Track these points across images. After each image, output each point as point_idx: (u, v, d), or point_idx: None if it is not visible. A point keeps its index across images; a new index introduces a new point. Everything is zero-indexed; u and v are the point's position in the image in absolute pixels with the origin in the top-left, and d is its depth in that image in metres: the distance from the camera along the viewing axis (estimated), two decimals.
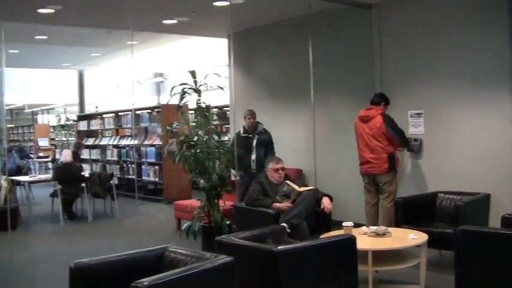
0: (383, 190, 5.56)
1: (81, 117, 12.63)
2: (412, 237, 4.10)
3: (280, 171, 5.20)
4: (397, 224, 4.91)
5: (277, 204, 4.89)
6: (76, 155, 9.40)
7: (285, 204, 4.85)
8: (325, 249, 3.47)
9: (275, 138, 6.65)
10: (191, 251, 3.06)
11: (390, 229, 4.29)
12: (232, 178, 6.40)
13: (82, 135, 12.33)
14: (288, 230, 4.46)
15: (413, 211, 4.99)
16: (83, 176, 8.08)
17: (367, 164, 5.61)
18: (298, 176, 6.93)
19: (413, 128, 5.85)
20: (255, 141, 6.39)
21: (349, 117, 6.54)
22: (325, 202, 4.90)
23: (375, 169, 5.53)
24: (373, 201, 5.69)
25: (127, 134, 11.89)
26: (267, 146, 6.43)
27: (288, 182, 4.97)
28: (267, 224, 4.44)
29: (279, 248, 3.21)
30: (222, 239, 3.57)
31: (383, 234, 4.17)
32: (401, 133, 5.56)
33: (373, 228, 4.29)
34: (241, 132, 6.48)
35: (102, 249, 5.80)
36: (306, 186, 5.16)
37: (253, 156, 6.29)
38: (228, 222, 5.64)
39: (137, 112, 10.34)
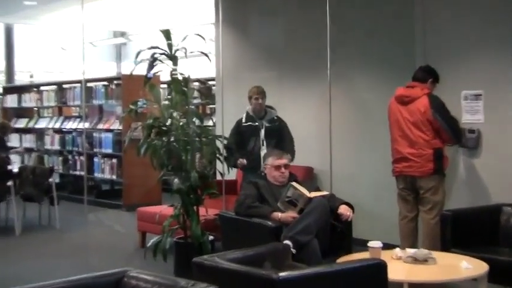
0: (425, 200, 5.56)
1: (9, 90, 12.55)
2: (465, 267, 4.11)
3: (283, 169, 5.19)
4: (444, 247, 4.91)
5: (278, 214, 4.88)
6: (0, 142, 9.34)
7: (289, 215, 4.85)
8: (343, 278, 3.44)
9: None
10: (159, 277, 3.03)
11: (434, 253, 4.29)
12: (218, 177, 6.41)
13: (10, 114, 12.28)
14: (293, 250, 4.45)
15: (467, 230, 4.99)
16: (10, 171, 8.03)
17: (403, 162, 5.60)
18: (308, 177, 6.95)
19: (469, 116, 5.84)
20: (263, 132, 6.23)
21: (378, 97, 6.53)
22: (343, 208, 4.92)
23: (415, 170, 5.52)
24: (410, 215, 5.69)
25: (74, 114, 11.87)
26: (280, 140, 6.26)
27: (293, 184, 4.98)
28: (264, 241, 4.41)
29: (280, 275, 3.19)
30: (202, 261, 3.55)
31: (424, 261, 4.17)
32: (453, 123, 5.52)
33: (410, 251, 4.29)
34: (243, 120, 6.30)
35: (35, 274, 5.78)
36: (319, 190, 5.17)
37: (263, 153, 5.94)
38: (211, 237, 5.64)
39: (89, 84, 10.28)
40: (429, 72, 5.66)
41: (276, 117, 6.35)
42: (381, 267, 3.53)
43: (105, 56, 15.90)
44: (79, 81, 9.88)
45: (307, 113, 7.34)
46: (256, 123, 6.26)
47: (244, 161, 6.15)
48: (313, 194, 4.94)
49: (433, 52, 6.14)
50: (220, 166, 6.20)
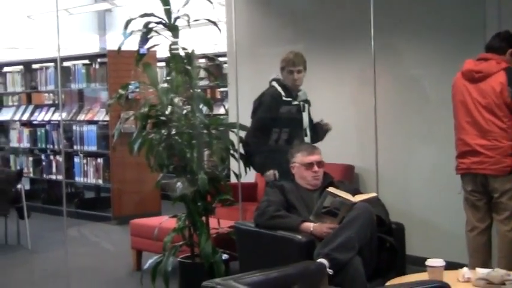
0: (500, 206, 5.54)
1: None
2: None
3: (316, 168, 5.23)
4: None
5: (310, 225, 4.92)
6: None
7: (326, 225, 4.90)
8: None
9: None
10: None
11: None
12: (233, 179, 6.46)
13: None
14: (330, 271, 4.49)
15: None
16: None
17: (472, 157, 5.58)
18: (348, 177, 6.98)
19: None
20: (306, 117, 6.09)
21: (436, 74, 6.53)
22: None
23: (488, 167, 5.50)
24: (482, 225, 5.68)
25: (47, 102, 11.96)
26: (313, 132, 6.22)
27: (330, 189, 4.99)
28: (292, 259, 4.47)
29: None
30: (215, 286, 3.59)
31: (501, 284, 4.16)
32: None
33: (482, 272, 4.30)
34: (284, 94, 6.03)
35: None
36: (360, 193, 5.19)
37: (307, 139, 6.00)
38: (225, 256, 5.70)
39: (65, 64, 10.37)
40: (508, 40, 5.61)
41: (307, 98, 6.24)
42: None
43: (85, 27, 15.98)
44: (53, 60, 9.98)
45: (345, 96, 7.37)
46: (297, 103, 6.06)
47: (277, 174, 5.84)
48: (358, 198, 4.97)
49: (510, 13, 6.13)
50: (235, 165, 6.24)
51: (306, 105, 6.10)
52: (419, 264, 4.53)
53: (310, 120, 6.20)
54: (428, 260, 4.23)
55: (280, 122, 5.95)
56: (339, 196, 4.92)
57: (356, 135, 7.17)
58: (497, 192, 5.51)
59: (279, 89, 6.03)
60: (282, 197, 5.13)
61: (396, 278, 4.39)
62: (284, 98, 5.99)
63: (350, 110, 7.30)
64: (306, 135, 6.08)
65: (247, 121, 6.39)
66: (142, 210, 8.78)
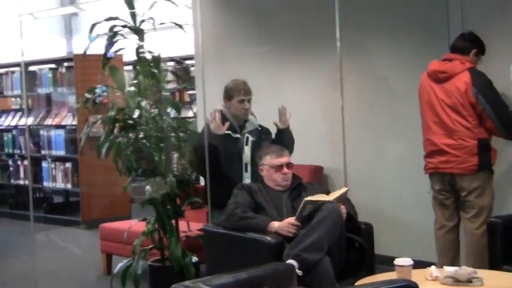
0: (468, 204, 5.61)
1: None
2: None
3: (286, 169, 5.24)
4: (493, 264, 4.95)
5: (275, 224, 4.93)
6: None
7: (286, 221, 4.90)
8: None
9: (275, 113, 6.68)
10: None
11: (481, 272, 4.32)
12: (202, 182, 6.44)
13: None
14: (299, 272, 4.50)
15: None
16: None
17: (439, 156, 5.64)
18: (317, 178, 6.99)
19: None
20: (247, 151, 5.77)
21: (403, 74, 6.56)
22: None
23: (454, 166, 5.56)
24: (450, 224, 5.74)
25: (13, 107, 11.86)
26: None
27: (309, 198, 4.94)
28: (262, 260, 4.44)
29: None
30: None
31: (468, 282, 4.19)
32: (500, 108, 5.52)
33: (450, 270, 4.32)
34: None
35: None
36: (329, 193, 5.20)
37: (247, 175, 5.70)
38: (195, 259, 5.68)
39: (31, 68, 10.30)
40: (472, 41, 5.67)
41: (259, 127, 5.91)
42: None
43: (51, 31, 15.86)
44: (17, 65, 9.89)
45: (312, 97, 7.37)
46: (237, 136, 5.78)
47: None
48: (333, 196, 4.99)
49: (473, 15, 6.17)
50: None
51: (250, 139, 5.77)
52: (388, 263, 4.55)
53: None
54: (396, 259, 4.25)
55: (214, 154, 5.62)
56: (318, 201, 4.93)
57: (324, 136, 7.18)
58: (465, 191, 5.57)
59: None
60: (250, 198, 5.13)
61: (365, 278, 4.41)
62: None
63: (318, 110, 7.30)
64: (246, 171, 5.73)
65: None
66: (112, 214, 8.72)
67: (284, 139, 5.78)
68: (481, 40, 5.71)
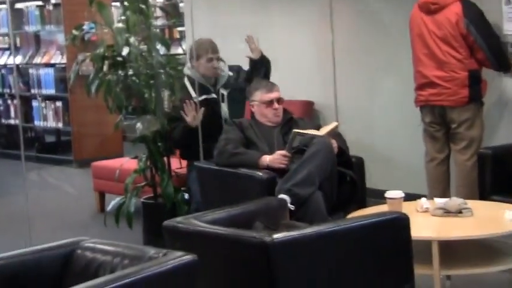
0: (458, 136, 5.63)
1: None
2: (509, 218, 4.17)
3: (276, 105, 5.21)
4: (483, 195, 4.99)
5: (266, 158, 4.93)
6: None
7: (277, 153, 4.90)
8: (354, 238, 3.52)
9: (266, 48, 6.63)
10: (122, 247, 3.09)
11: (470, 203, 4.36)
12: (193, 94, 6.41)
13: None
14: (291, 207, 4.53)
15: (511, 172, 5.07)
16: None
17: (430, 89, 5.63)
18: (308, 113, 7.00)
19: None
20: (224, 104, 5.69)
21: (394, 6, 6.52)
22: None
23: (445, 98, 5.56)
24: (440, 156, 5.77)
25: (1, 45, 11.74)
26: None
27: (297, 131, 4.96)
28: (254, 196, 4.49)
29: (274, 237, 3.25)
30: (176, 224, 3.62)
31: (458, 213, 4.24)
32: (492, 40, 5.50)
33: (440, 201, 4.36)
34: (193, 94, 5.58)
35: None
36: (319, 128, 5.21)
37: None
38: (187, 195, 5.71)
39: (17, 6, 10.18)
40: None
41: (230, 74, 5.77)
42: (401, 223, 3.60)
43: None
44: (3, 2, 9.77)
45: (301, 32, 7.32)
46: (213, 96, 5.70)
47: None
48: (323, 131, 5.00)
49: None
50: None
51: (225, 93, 5.66)
52: (379, 196, 4.58)
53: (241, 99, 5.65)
54: (387, 192, 4.28)
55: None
56: (308, 134, 4.94)
57: (315, 71, 7.16)
58: (455, 123, 5.58)
59: (189, 88, 5.63)
60: (241, 133, 5.12)
61: (357, 211, 4.45)
62: (196, 100, 5.52)
63: (308, 45, 7.26)
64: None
65: None
66: (104, 152, 8.72)
67: (261, 70, 5.70)
68: None
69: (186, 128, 5.47)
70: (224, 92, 5.70)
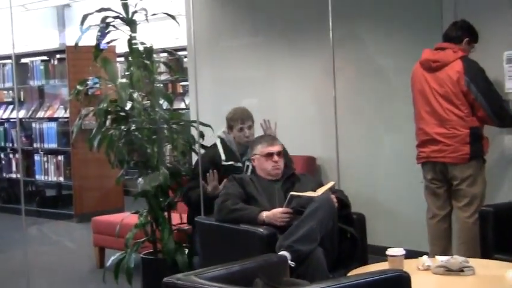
0: (460, 193, 5.64)
1: None
2: None
3: (276, 158, 5.25)
4: (485, 253, 4.98)
5: (263, 214, 4.93)
6: None
7: (278, 211, 4.91)
8: None
9: (268, 104, 6.72)
10: None
11: (472, 261, 4.35)
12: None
13: None
14: (292, 263, 4.52)
15: None
16: None
17: (431, 146, 5.66)
18: (310, 169, 7.02)
19: None
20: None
21: (396, 64, 6.60)
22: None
23: (447, 155, 5.59)
24: (442, 213, 5.77)
25: (5, 99, 11.84)
26: None
27: (293, 193, 4.96)
28: (255, 252, 4.50)
29: None
30: (175, 281, 3.59)
31: (459, 271, 4.22)
32: (492, 96, 5.53)
33: (441, 259, 4.35)
34: (223, 157, 5.72)
35: None
36: (321, 184, 5.23)
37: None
38: (187, 250, 5.72)
39: (22, 60, 10.28)
40: (464, 29, 5.68)
41: None
42: (403, 281, 3.57)
43: (43, 23, 15.82)
44: (9, 57, 9.89)
45: (305, 88, 7.39)
46: (239, 165, 5.73)
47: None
48: (320, 191, 4.99)
49: (466, 3, 6.18)
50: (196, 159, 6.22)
51: (250, 165, 5.63)
52: (381, 253, 4.56)
53: None
54: (388, 249, 4.27)
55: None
56: (305, 196, 4.95)
57: (317, 127, 7.20)
58: (457, 180, 5.60)
59: (220, 150, 5.76)
60: (241, 189, 5.14)
61: (358, 268, 4.43)
62: (224, 163, 5.69)
63: (310, 101, 7.32)
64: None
65: (207, 114, 6.40)
66: (104, 207, 8.73)
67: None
68: (474, 28, 5.72)
69: (205, 195, 5.54)
70: (249, 164, 5.65)
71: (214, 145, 5.83)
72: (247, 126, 5.76)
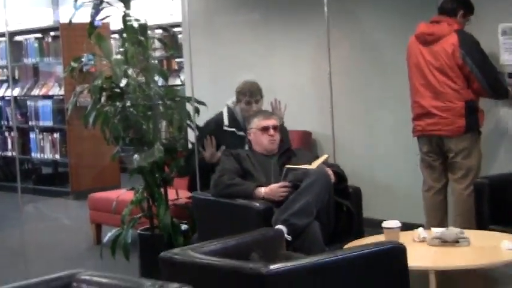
0: (456, 165, 5.66)
1: None
2: (507, 248, 4.20)
3: (272, 131, 5.26)
4: (480, 224, 5.01)
5: (261, 190, 4.96)
6: None
7: (277, 185, 4.93)
8: (350, 268, 3.53)
9: (264, 80, 6.68)
10: (118, 279, 3.09)
11: (467, 232, 4.39)
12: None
13: None
14: (288, 237, 4.55)
15: (508, 202, 5.08)
16: None
17: (427, 119, 5.68)
18: (306, 143, 7.03)
19: (507, 55, 5.92)
20: (247, 147, 5.56)
21: (391, 38, 6.58)
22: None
23: (442, 128, 5.61)
24: (438, 185, 5.81)
25: (0, 78, 11.81)
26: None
27: (289, 166, 5.00)
28: (251, 227, 4.51)
29: (270, 267, 3.26)
30: (172, 256, 3.63)
31: (455, 242, 4.27)
32: (488, 69, 5.54)
33: (436, 231, 4.39)
34: (226, 122, 5.80)
35: None
36: (317, 158, 5.23)
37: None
38: (184, 226, 5.73)
39: (16, 38, 10.25)
40: (459, 2, 5.69)
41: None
42: (398, 253, 3.62)
43: (36, 0, 15.76)
44: (2, 35, 9.85)
45: (300, 63, 7.37)
46: (241, 133, 5.73)
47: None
48: (315, 164, 5.01)
49: None
50: (192, 135, 6.23)
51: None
52: (377, 226, 4.59)
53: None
54: (384, 222, 4.30)
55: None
56: (301, 169, 4.97)
57: (313, 102, 7.20)
58: (452, 152, 5.62)
59: (225, 117, 5.81)
60: (237, 164, 5.16)
61: (354, 241, 4.47)
62: (225, 128, 5.76)
63: (306, 76, 7.31)
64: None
65: (203, 90, 6.40)
66: (101, 184, 8.74)
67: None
68: (469, 1, 5.72)
69: (201, 160, 5.59)
70: None
71: (221, 113, 5.87)
72: (254, 100, 5.76)
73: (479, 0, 5.82)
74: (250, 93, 5.76)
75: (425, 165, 5.81)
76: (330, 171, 4.97)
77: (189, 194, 5.81)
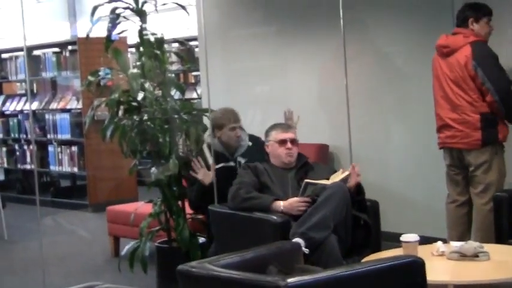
0: (475, 179, 5.59)
1: None
2: None
3: (289, 145, 5.25)
4: (500, 239, 4.98)
5: (280, 204, 4.95)
6: None
7: (295, 200, 4.93)
8: (368, 282, 3.50)
9: (280, 93, 6.71)
10: None
11: (487, 247, 4.35)
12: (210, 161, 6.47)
13: None
14: (305, 250, 4.54)
15: None
16: None
17: (446, 131, 5.64)
18: (323, 157, 7.02)
19: None
20: None
21: (409, 50, 6.58)
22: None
23: (459, 140, 5.56)
24: (461, 198, 5.73)
25: (19, 92, 11.88)
26: None
27: (309, 181, 5.00)
28: (268, 240, 4.51)
29: (288, 281, 3.24)
30: (189, 269, 3.61)
31: (474, 256, 4.23)
32: (501, 82, 5.44)
33: (456, 245, 4.36)
34: (210, 161, 5.68)
35: None
36: (335, 172, 5.22)
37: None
38: (202, 239, 5.73)
39: (35, 53, 10.32)
40: (466, 9, 5.60)
41: (250, 144, 5.81)
42: (417, 267, 3.58)
43: (54, 15, 15.86)
44: (20, 49, 9.93)
45: (316, 76, 7.38)
46: (231, 164, 5.74)
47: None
48: (336, 179, 5.00)
49: None
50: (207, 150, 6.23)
51: (242, 161, 5.64)
52: (395, 240, 4.56)
53: None
54: (402, 235, 4.27)
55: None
56: (318, 183, 4.96)
57: (329, 115, 7.20)
58: (472, 166, 5.57)
59: (207, 155, 5.74)
60: (255, 177, 5.16)
61: (371, 255, 4.45)
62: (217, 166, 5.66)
63: (322, 90, 7.32)
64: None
65: (220, 103, 6.40)
66: (118, 196, 8.78)
67: None
68: (476, 4, 5.61)
69: (200, 186, 5.58)
70: (242, 160, 5.71)
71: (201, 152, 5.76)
72: (238, 126, 5.76)
73: (499, 12, 5.79)
74: (234, 119, 5.75)
75: (449, 179, 5.78)
76: (352, 182, 4.97)
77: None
